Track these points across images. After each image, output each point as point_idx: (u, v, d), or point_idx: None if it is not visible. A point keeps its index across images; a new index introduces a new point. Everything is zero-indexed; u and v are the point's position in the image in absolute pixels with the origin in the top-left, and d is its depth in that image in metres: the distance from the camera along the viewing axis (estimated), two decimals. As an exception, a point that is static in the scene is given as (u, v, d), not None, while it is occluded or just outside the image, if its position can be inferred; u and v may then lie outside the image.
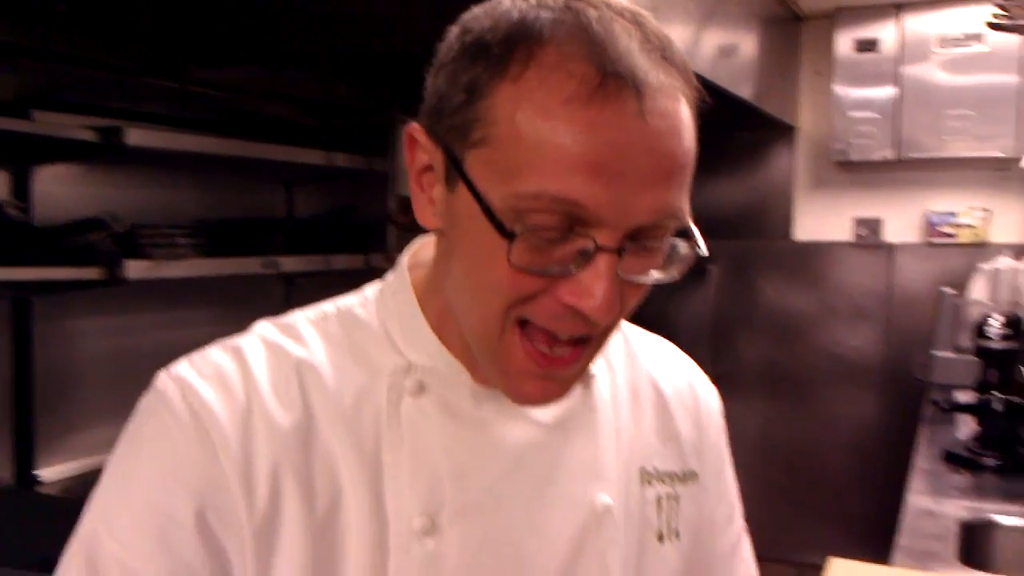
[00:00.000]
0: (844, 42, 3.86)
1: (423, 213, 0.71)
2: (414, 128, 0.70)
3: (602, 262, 0.63)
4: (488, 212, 0.63)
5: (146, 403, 0.72)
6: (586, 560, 0.77)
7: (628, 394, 0.86)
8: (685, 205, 0.67)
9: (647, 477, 0.84)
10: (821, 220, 4.09)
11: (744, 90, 3.22)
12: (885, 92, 3.78)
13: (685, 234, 0.68)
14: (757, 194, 4.18)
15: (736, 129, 4.03)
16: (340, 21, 2.27)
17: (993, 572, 2.00)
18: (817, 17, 4.01)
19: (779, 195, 4.17)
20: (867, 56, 3.82)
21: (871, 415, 4.04)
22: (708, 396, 0.93)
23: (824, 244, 4.09)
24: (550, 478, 0.77)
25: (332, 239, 2.56)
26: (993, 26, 1.30)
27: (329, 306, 0.80)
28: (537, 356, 0.68)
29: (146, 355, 2.25)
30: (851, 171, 4.02)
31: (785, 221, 4.15)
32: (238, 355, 0.73)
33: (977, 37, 3.62)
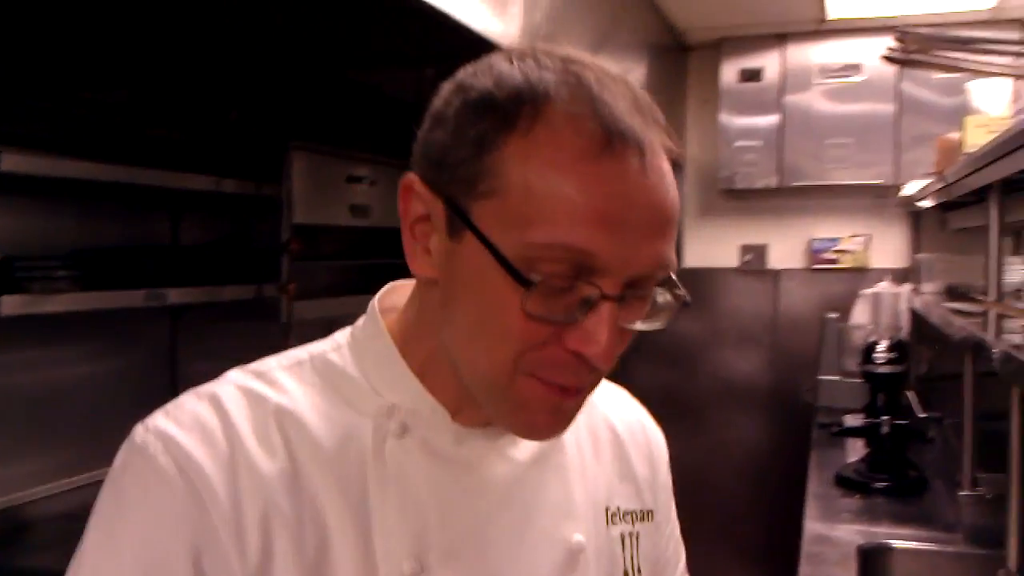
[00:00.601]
0: (729, 72, 3.96)
1: (418, 263, 0.72)
2: (411, 179, 0.71)
3: (605, 309, 0.66)
4: (503, 261, 0.65)
5: (126, 459, 0.71)
6: None
7: (588, 435, 0.88)
8: (674, 256, 0.70)
9: (611, 516, 0.87)
10: (709, 246, 4.17)
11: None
12: (769, 121, 3.89)
13: (666, 283, 0.71)
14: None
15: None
16: (231, 43, 2.18)
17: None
18: (703, 47, 4.10)
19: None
20: (751, 86, 3.93)
21: (761, 439, 4.12)
22: (657, 436, 0.97)
23: (712, 270, 4.16)
24: (529, 517, 0.79)
25: (221, 269, 2.44)
26: (889, 59, 1.33)
27: (301, 353, 0.79)
28: (554, 389, 0.70)
29: (23, 395, 2.09)
30: (737, 198, 4.12)
31: (675, 248, 4.21)
32: (216, 403, 0.73)
33: (856, 68, 3.76)
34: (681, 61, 4.17)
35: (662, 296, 0.72)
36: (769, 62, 3.90)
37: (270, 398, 0.74)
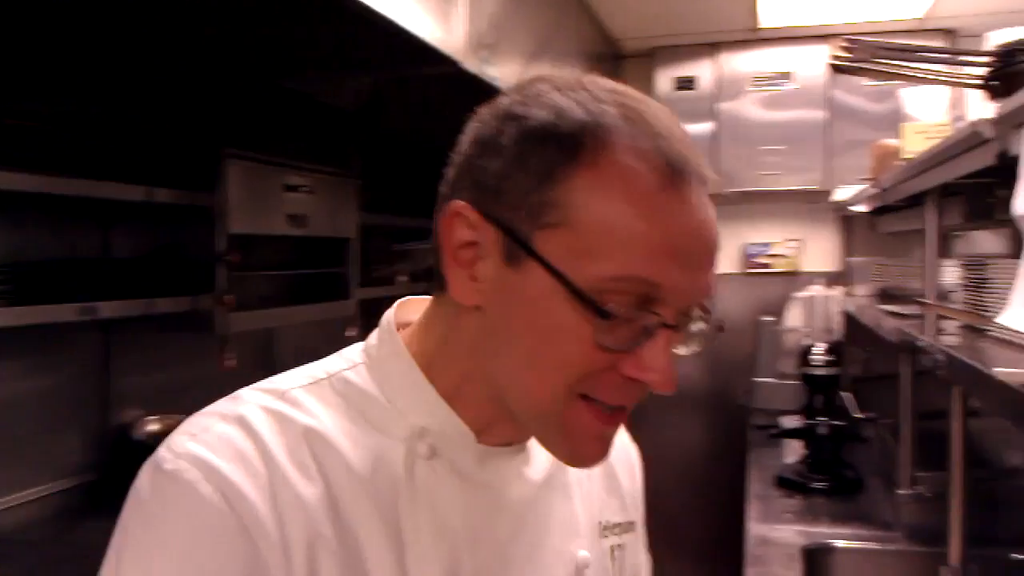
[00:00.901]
0: (664, 80, 4.01)
1: (463, 289, 0.72)
2: (460, 205, 0.71)
3: (664, 338, 0.68)
4: (577, 292, 0.66)
5: (158, 486, 0.67)
6: None
7: None
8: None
9: (603, 530, 0.90)
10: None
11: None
12: (703, 128, 3.94)
13: (703, 308, 0.73)
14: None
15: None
16: (162, 50, 2.13)
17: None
18: (638, 55, 4.14)
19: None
20: (686, 94, 3.98)
21: (699, 441, 4.17)
22: (634, 447, 1.00)
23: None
24: (541, 536, 0.81)
25: (155, 281, 2.37)
26: (836, 68, 1.35)
27: (316, 371, 0.78)
28: (603, 416, 0.71)
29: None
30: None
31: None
32: (245, 426, 0.70)
33: (787, 76, 3.83)
34: (617, 69, 4.20)
35: (697, 322, 0.74)
36: (703, 71, 3.96)
37: (298, 420, 0.72)
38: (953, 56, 1.13)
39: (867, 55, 1.16)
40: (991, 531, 1.83)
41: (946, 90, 1.72)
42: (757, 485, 2.84)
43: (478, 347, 0.73)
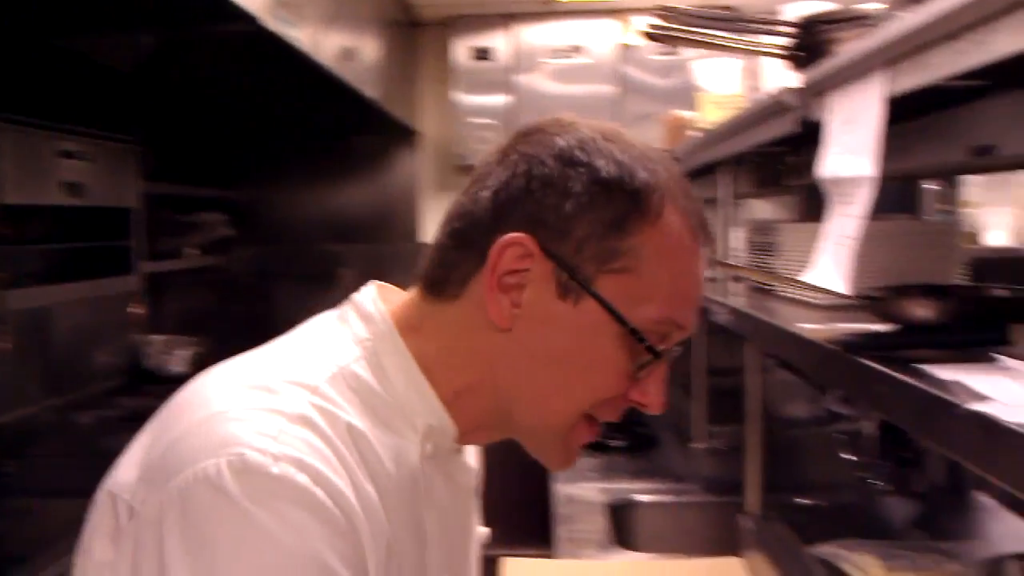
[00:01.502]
0: (461, 50, 4.01)
1: (501, 312, 0.77)
2: (522, 237, 0.75)
3: (665, 368, 0.79)
4: (635, 333, 0.75)
5: (259, 491, 0.64)
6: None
7: None
8: None
9: None
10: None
11: (368, 92, 3.20)
12: (500, 99, 3.98)
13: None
14: (384, 197, 4.20)
15: (362, 132, 4.02)
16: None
17: (640, 546, 2.17)
18: (434, 24, 4.11)
19: (405, 198, 4.23)
20: (483, 64, 3.99)
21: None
22: None
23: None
24: (474, 517, 0.95)
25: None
26: (649, 36, 1.38)
27: (327, 362, 0.76)
28: (595, 431, 0.81)
29: None
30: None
31: (411, 224, 4.22)
32: (313, 427, 0.69)
33: (578, 49, 3.92)
34: (414, 37, 4.17)
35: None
36: (499, 42, 3.99)
37: (340, 417, 0.72)
38: (762, 26, 1.18)
39: (682, 23, 1.20)
40: (776, 479, 1.97)
41: (739, 62, 1.82)
42: (560, 448, 2.91)
43: (497, 364, 0.79)
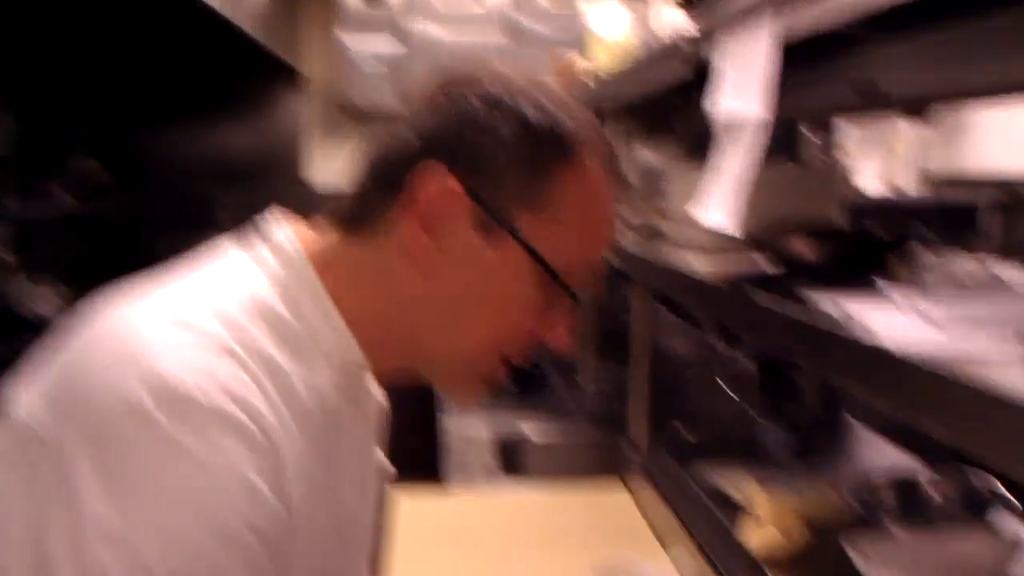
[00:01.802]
0: (349, -9, 3.91)
1: (418, 245, 0.78)
2: (445, 173, 0.77)
3: (574, 309, 0.83)
4: (552, 274, 0.79)
5: (185, 419, 0.65)
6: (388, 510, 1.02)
7: None
8: None
9: None
10: (334, 165, 4.13)
11: (250, 30, 3.10)
12: (391, 45, 3.92)
13: None
14: (268, 141, 4.10)
15: (245, 73, 3.90)
16: None
17: (530, 479, 2.23)
18: (322, -37, 4.00)
19: (290, 141, 4.14)
20: (374, 9, 3.92)
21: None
22: None
23: (340, 189, 4.14)
24: (375, 450, 0.98)
25: None
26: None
27: (238, 291, 0.76)
28: (505, 370, 0.84)
29: None
30: (361, 119, 4.11)
31: (296, 167, 4.15)
32: (235, 357, 0.70)
33: (477, -1, 3.89)
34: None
35: None
36: (388, -16, 3.91)
37: (256, 348, 0.72)
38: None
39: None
40: (661, 416, 2.04)
41: (629, 10, 1.84)
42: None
43: (413, 299, 0.80)
